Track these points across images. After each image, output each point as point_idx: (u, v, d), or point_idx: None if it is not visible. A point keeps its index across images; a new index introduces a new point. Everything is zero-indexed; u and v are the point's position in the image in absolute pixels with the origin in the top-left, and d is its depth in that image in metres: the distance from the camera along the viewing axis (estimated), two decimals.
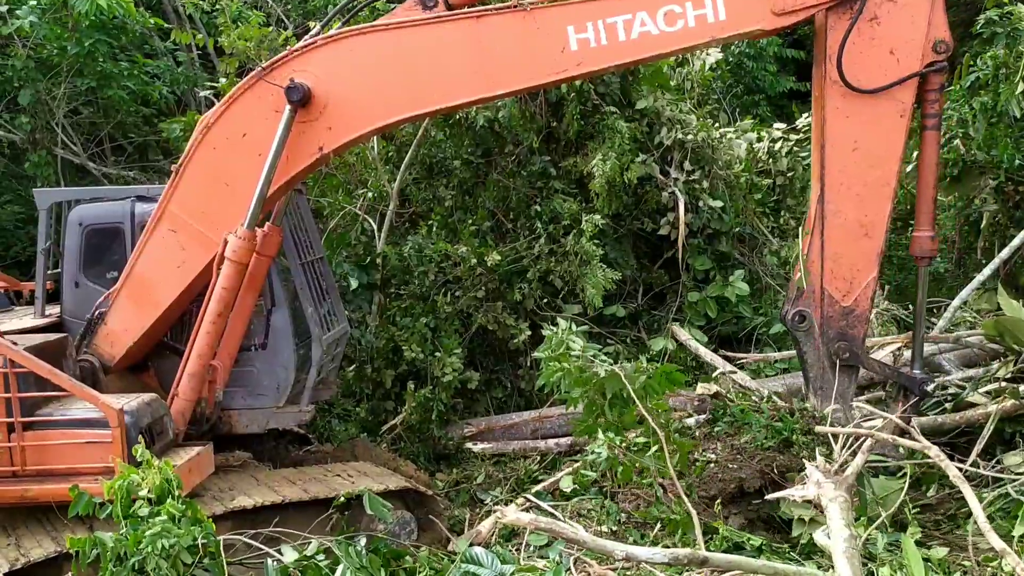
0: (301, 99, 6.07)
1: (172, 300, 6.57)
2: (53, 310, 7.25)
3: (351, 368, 9.60)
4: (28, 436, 5.87)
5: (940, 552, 5.77)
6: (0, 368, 5.78)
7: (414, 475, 7.77)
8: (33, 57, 11.75)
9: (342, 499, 6.29)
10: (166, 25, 13.12)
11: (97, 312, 6.63)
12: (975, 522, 5.18)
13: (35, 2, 11.12)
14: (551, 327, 6.59)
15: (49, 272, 7.29)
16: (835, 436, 6.36)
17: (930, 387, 6.71)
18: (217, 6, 11.24)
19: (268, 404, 7.03)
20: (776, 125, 12.26)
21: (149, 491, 5.01)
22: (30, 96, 11.69)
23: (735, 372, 8.85)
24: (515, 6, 6.05)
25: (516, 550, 6.21)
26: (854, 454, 6.15)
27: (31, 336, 6.58)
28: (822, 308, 6.28)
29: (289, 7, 14.13)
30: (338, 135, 6.28)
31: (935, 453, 5.89)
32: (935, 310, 9.99)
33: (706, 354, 9.57)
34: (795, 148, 11.52)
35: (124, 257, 6.87)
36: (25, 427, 5.86)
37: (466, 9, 6.23)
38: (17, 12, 11.13)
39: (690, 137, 10.42)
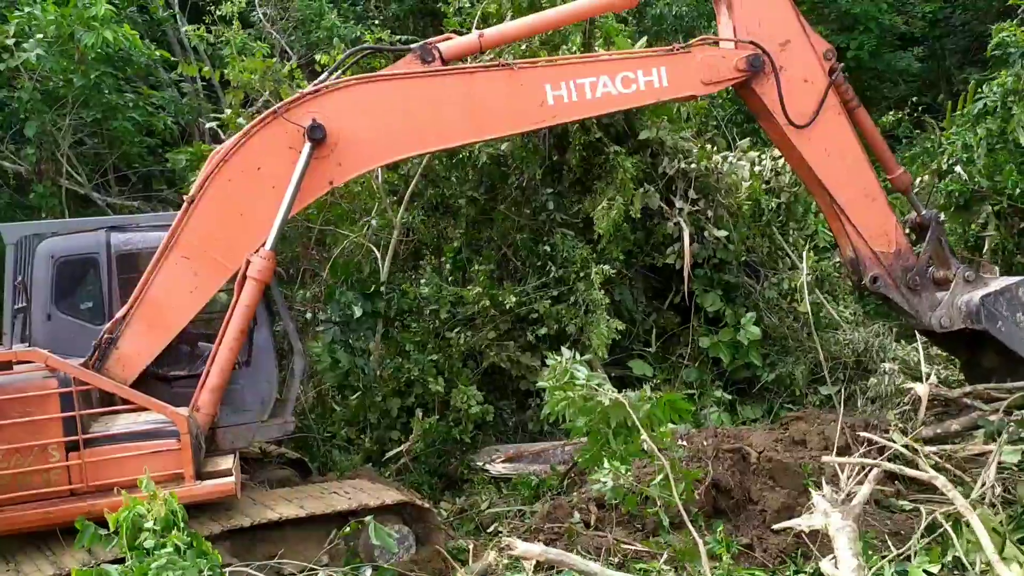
0: (322, 137, 6.64)
1: (184, 324, 6.73)
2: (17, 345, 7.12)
3: (354, 396, 9.59)
4: (87, 453, 6.04)
5: None
6: (57, 388, 5.99)
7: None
8: (39, 89, 11.80)
9: (347, 530, 6.28)
10: (171, 58, 13.24)
11: (106, 338, 6.61)
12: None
13: (41, 35, 11.22)
14: (555, 356, 6.58)
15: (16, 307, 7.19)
16: (842, 466, 6.33)
17: (942, 217, 8.28)
18: (222, 38, 11.35)
19: (252, 419, 7.12)
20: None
21: (155, 522, 4.99)
22: (36, 128, 11.73)
23: None
24: (502, 65, 7.27)
25: None
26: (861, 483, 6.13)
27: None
28: (882, 264, 7.74)
29: (293, 39, 14.26)
30: (347, 170, 6.99)
31: (942, 484, 5.87)
32: None
33: None
34: None
35: (99, 287, 7.01)
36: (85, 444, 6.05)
37: (460, 65, 7.32)
38: (24, 45, 11.21)
39: (692, 166, 10.42)
